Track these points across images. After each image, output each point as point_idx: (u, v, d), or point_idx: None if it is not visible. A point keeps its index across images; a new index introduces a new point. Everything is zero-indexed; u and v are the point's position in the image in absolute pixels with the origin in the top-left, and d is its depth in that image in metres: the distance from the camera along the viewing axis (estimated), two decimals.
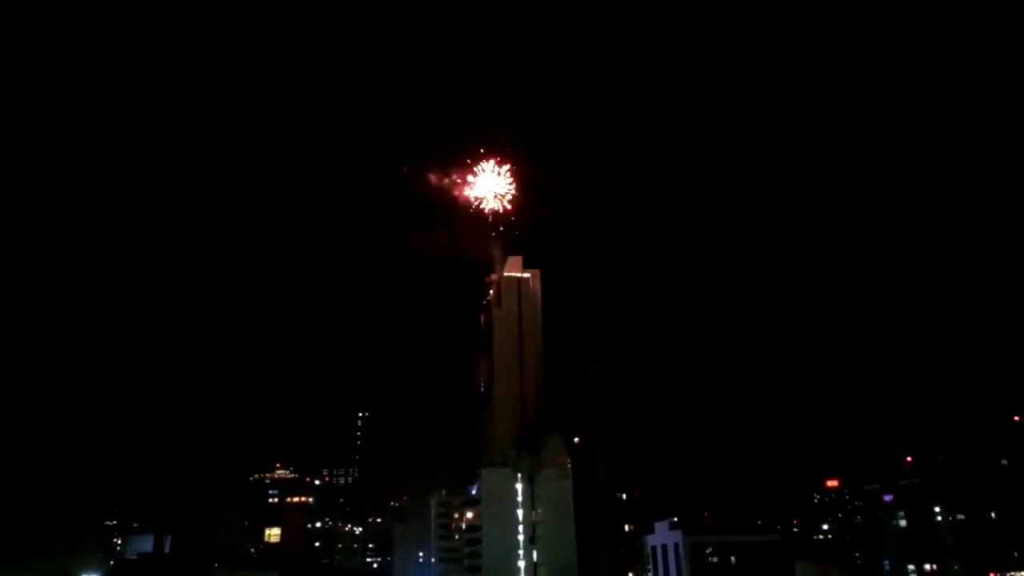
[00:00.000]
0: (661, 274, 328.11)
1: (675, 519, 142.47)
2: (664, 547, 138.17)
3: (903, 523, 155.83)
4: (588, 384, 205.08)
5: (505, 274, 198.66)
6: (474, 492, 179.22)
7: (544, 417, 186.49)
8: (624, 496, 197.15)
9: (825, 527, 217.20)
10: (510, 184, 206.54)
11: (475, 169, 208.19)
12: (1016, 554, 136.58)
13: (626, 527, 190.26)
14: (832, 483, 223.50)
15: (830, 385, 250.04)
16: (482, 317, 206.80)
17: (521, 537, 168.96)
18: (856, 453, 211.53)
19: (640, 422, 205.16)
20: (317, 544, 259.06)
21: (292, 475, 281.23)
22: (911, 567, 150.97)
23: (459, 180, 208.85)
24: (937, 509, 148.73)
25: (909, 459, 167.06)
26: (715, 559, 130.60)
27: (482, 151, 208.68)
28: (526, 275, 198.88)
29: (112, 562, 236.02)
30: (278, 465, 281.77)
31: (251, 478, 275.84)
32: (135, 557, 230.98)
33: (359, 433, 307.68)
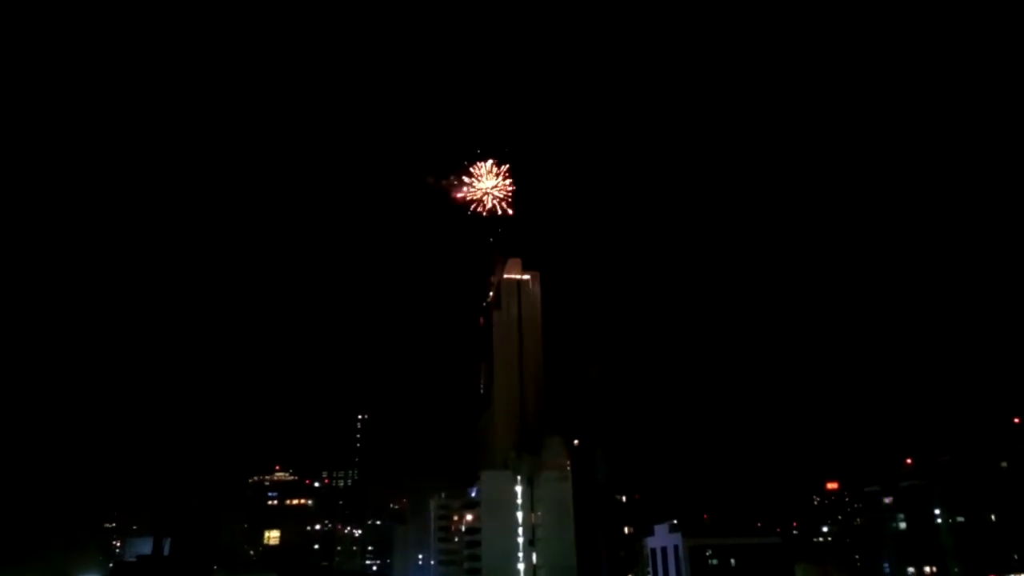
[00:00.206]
0: (661, 276, 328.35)
1: (675, 521, 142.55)
2: (664, 549, 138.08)
3: (903, 525, 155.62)
4: (588, 386, 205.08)
5: (505, 276, 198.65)
6: (474, 494, 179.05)
7: (544, 419, 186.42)
8: (624, 498, 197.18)
9: (825, 529, 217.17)
10: (509, 186, 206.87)
11: (474, 171, 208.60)
12: (1016, 556, 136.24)
13: (626, 529, 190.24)
14: (832, 485, 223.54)
15: (830, 387, 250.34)
16: (482, 319, 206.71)
17: (521, 539, 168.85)
18: (856, 455, 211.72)
19: (640, 424, 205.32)
20: (316, 546, 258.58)
21: (291, 477, 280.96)
22: (911, 569, 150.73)
23: (458, 182, 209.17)
24: (937, 511, 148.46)
25: (909, 461, 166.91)
26: (715, 561, 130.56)
27: (481, 153, 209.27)
28: (526, 277, 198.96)
29: (111, 564, 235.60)
30: (277, 467, 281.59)
31: (250, 480, 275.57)
32: (134, 559, 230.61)
33: (358, 435, 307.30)
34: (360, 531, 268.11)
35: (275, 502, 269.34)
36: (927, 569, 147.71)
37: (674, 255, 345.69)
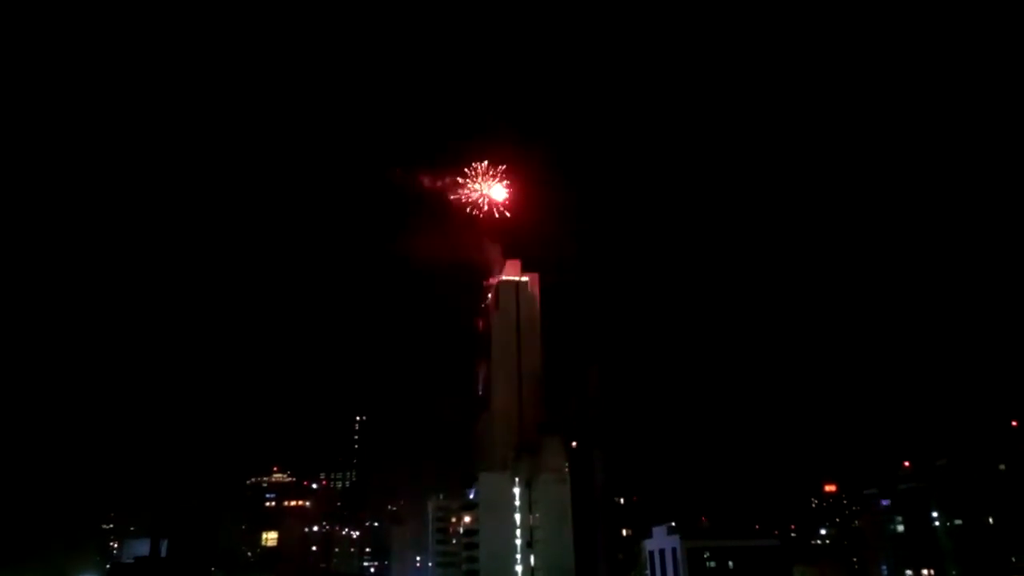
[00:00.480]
0: (660, 278, 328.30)
1: (673, 523, 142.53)
2: (662, 552, 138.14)
3: (901, 528, 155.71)
4: (586, 388, 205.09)
5: (503, 278, 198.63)
6: (472, 496, 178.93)
7: (542, 421, 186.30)
8: (622, 500, 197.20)
9: (823, 532, 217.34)
10: (507, 188, 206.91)
11: (472, 173, 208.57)
12: (1014, 559, 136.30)
13: (624, 531, 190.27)
14: (830, 488, 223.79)
15: (828, 390, 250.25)
16: (480, 321, 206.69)
17: (519, 541, 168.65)
18: (854, 458, 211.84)
19: (638, 426, 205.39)
20: (314, 548, 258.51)
21: (289, 479, 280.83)
22: (909, 572, 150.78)
23: (456, 184, 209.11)
24: (935, 514, 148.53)
25: (907, 464, 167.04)
26: (713, 564, 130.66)
27: (479, 155, 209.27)
28: (524, 279, 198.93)
29: (108, 566, 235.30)
30: (275, 469, 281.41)
31: (248, 482, 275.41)
32: (132, 561, 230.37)
33: (356, 437, 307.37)
34: (358, 532, 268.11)
35: (273, 503, 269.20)
36: (925, 572, 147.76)
37: (673, 257, 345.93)
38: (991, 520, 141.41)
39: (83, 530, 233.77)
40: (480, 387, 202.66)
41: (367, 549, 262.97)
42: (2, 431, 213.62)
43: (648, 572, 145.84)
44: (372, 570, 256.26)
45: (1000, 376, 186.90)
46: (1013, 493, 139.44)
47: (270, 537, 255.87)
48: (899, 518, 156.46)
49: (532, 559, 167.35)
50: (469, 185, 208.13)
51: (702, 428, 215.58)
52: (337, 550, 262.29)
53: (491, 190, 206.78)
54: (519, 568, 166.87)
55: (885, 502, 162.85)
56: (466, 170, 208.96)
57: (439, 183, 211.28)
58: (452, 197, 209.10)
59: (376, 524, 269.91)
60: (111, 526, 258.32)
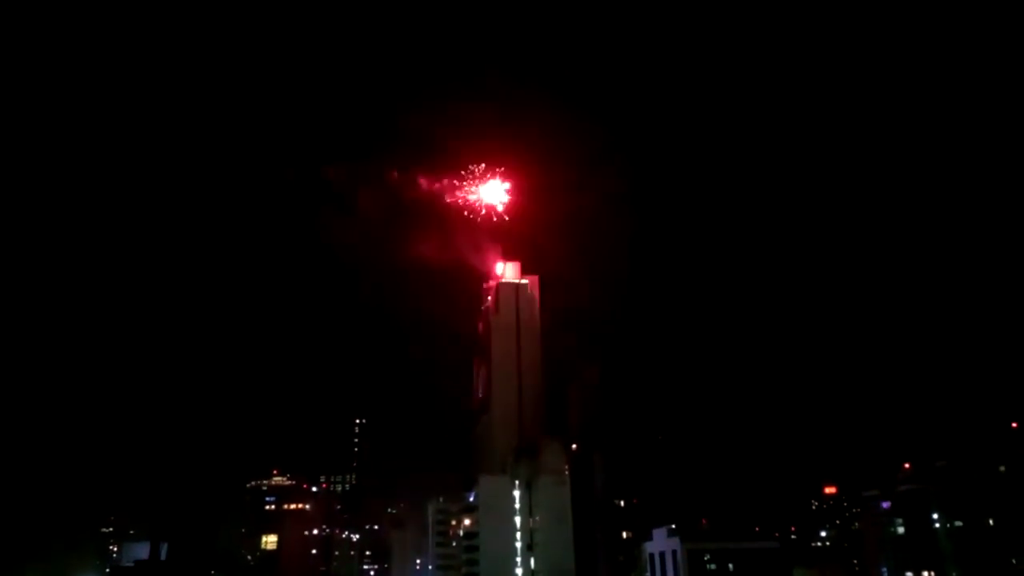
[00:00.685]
0: (659, 280, 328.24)
1: (673, 526, 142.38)
2: (662, 554, 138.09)
3: (901, 530, 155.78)
4: (586, 390, 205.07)
5: (503, 280, 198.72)
6: (472, 499, 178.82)
7: (542, 423, 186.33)
8: (622, 503, 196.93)
9: (823, 534, 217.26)
10: (507, 190, 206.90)
11: (472, 175, 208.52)
12: (1014, 561, 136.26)
13: (624, 534, 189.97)
14: (830, 490, 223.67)
15: (828, 392, 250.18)
16: (480, 324, 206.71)
17: (519, 544, 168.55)
18: (854, 460, 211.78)
19: (639, 429, 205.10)
20: (314, 551, 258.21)
21: (289, 482, 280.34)
22: (909, 574, 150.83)
23: (455, 186, 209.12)
24: (935, 516, 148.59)
25: (907, 466, 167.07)
26: (713, 566, 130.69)
27: (479, 156, 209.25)
28: (524, 281, 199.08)
29: (108, 569, 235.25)
30: (275, 472, 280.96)
31: (248, 485, 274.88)
32: (131, 564, 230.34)
33: (356, 440, 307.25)
34: (358, 536, 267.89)
35: (273, 507, 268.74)
36: (925, 574, 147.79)
37: (673, 259, 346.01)
38: (991, 522, 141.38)
39: (83, 533, 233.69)
40: (480, 389, 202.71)
41: (367, 552, 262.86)
42: (3, 434, 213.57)
43: (648, 574, 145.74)
44: (372, 573, 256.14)
45: (1000, 378, 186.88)
46: (1013, 495, 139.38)
47: (270, 540, 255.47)
48: (899, 520, 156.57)
49: (532, 562, 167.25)
50: (467, 187, 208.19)
51: (702, 430, 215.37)
52: (337, 553, 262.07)
53: (490, 192, 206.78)
54: (519, 571, 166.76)
55: (885, 504, 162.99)
56: (464, 172, 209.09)
57: (437, 185, 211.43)
58: (451, 199, 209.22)
59: (376, 527, 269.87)
60: (111, 529, 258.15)
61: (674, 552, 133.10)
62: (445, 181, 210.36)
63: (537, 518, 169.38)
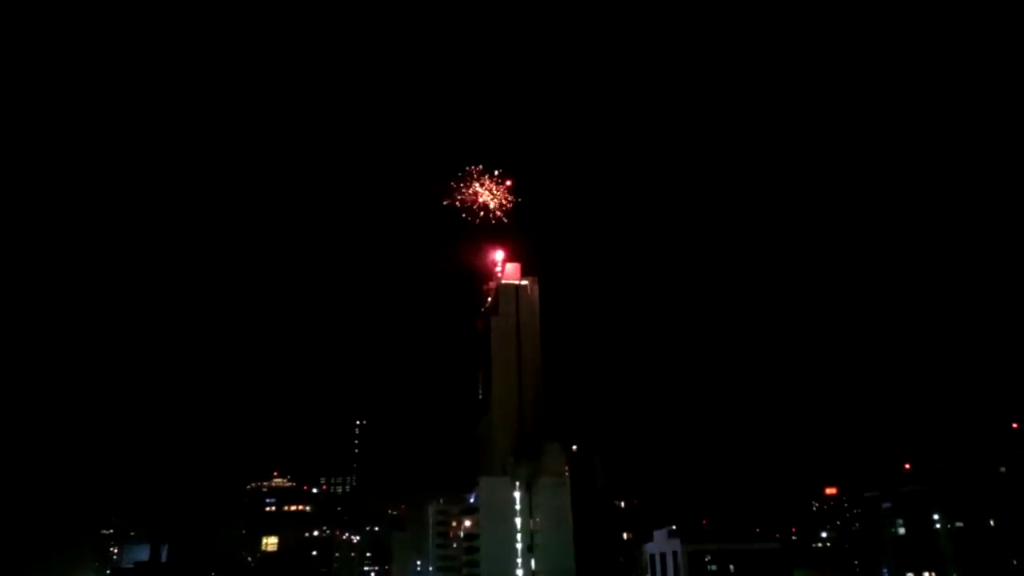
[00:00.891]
0: (660, 281, 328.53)
1: (674, 527, 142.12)
2: (663, 555, 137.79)
3: (902, 531, 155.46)
4: (587, 391, 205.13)
5: (503, 281, 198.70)
6: (472, 500, 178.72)
7: (542, 425, 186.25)
8: (623, 504, 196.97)
9: (824, 535, 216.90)
10: (508, 191, 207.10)
11: (473, 177, 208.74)
12: (1015, 562, 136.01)
13: (625, 535, 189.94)
14: (831, 491, 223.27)
15: (829, 393, 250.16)
16: (480, 324, 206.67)
17: (519, 545, 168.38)
18: (855, 461, 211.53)
19: (639, 430, 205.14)
20: (314, 553, 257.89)
21: (290, 483, 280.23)
22: (910, 575, 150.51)
23: (458, 188, 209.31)
24: (936, 517, 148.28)
25: (908, 466, 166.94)
26: (714, 567, 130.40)
27: (479, 158, 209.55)
28: (524, 282, 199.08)
29: (108, 571, 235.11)
30: (275, 473, 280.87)
31: (248, 487, 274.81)
32: (131, 566, 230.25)
33: (357, 441, 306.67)
34: (358, 537, 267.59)
35: (273, 508, 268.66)
36: (926, 574, 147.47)
37: (673, 261, 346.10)
38: (992, 522, 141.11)
39: (83, 534, 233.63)
40: (480, 391, 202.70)
41: (368, 554, 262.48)
42: (3, 435, 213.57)
43: (649, 575, 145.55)
44: (372, 575, 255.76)
45: (1000, 378, 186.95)
46: (1014, 495, 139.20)
47: (270, 542, 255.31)
48: (900, 521, 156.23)
49: (532, 563, 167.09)
50: (468, 188, 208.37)
51: (703, 431, 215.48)
52: (338, 555, 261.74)
53: (491, 193, 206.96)
54: (520, 572, 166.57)
55: (886, 505, 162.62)
56: (465, 173, 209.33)
57: (442, 187, 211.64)
58: (452, 200, 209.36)
59: (377, 529, 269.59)
60: (111, 531, 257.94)
61: (675, 553, 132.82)
62: (446, 182, 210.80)
63: (537, 519, 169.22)
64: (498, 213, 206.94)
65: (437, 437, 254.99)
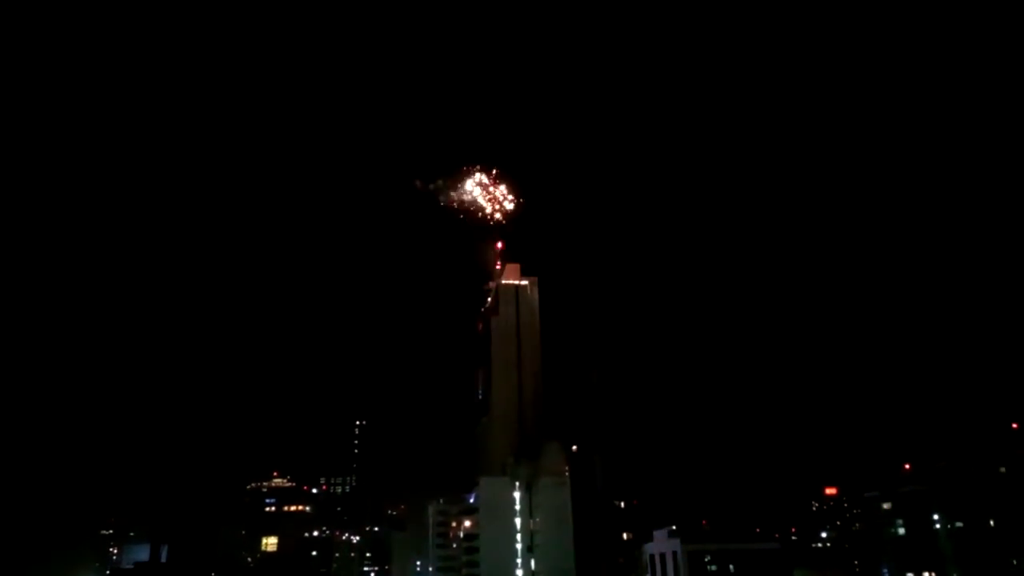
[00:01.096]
0: (660, 282, 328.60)
1: (674, 527, 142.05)
2: (663, 555, 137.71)
3: (902, 531, 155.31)
4: (586, 392, 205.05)
5: (503, 282, 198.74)
6: (472, 500, 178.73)
7: (542, 425, 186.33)
8: (623, 504, 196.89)
9: (824, 535, 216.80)
10: (508, 192, 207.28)
11: (474, 177, 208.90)
12: (1015, 562, 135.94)
13: (624, 535, 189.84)
14: (831, 491, 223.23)
15: (828, 393, 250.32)
16: (480, 325, 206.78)
17: (519, 546, 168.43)
18: (855, 461, 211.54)
19: (639, 430, 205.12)
20: (314, 553, 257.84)
21: (289, 484, 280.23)
22: (910, 575, 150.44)
23: (458, 188, 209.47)
24: (936, 517, 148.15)
25: (908, 466, 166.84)
26: (714, 567, 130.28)
27: (480, 158, 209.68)
28: (524, 282, 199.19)
29: (108, 571, 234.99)
30: (275, 474, 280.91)
31: (248, 487, 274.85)
32: (131, 567, 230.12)
33: (357, 442, 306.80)
34: (358, 537, 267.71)
35: (273, 508, 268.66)
36: (926, 575, 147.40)
37: (673, 261, 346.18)
38: (992, 523, 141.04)
39: (83, 535, 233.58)
40: (480, 391, 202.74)
41: (367, 554, 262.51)
42: (4, 436, 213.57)
43: (649, 575, 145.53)
44: (372, 575, 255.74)
45: (1000, 378, 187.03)
46: (1014, 495, 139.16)
47: (270, 542, 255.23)
48: (900, 521, 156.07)
49: (532, 563, 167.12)
50: (469, 189, 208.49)
51: (702, 431, 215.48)
52: (337, 555, 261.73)
53: (491, 194, 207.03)
54: (519, 572, 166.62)
55: (886, 505, 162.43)
56: (466, 173, 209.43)
57: (441, 188, 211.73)
58: (452, 201, 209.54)
59: (376, 529, 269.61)
60: (111, 531, 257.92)
61: (675, 553, 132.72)
62: (446, 182, 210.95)
63: (537, 519, 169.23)
64: (497, 214, 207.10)
65: (437, 437, 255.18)
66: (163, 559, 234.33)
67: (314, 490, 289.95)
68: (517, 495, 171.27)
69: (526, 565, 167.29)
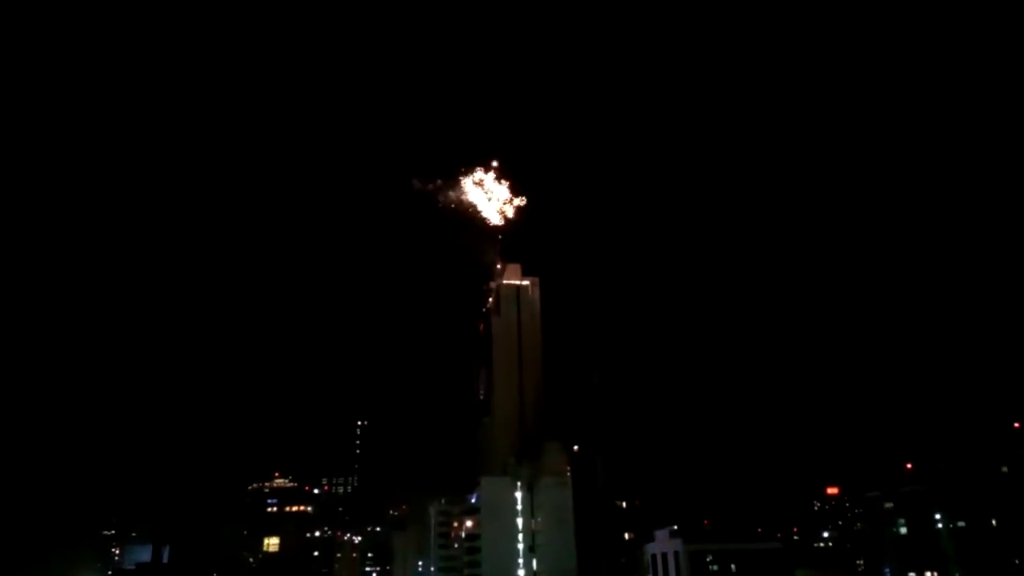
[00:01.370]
0: (660, 282, 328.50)
1: (675, 527, 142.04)
2: (664, 555, 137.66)
3: (904, 530, 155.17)
4: (588, 392, 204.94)
5: (504, 282, 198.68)
6: (473, 501, 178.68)
7: (543, 425, 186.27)
8: (624, 504, 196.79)
9: (826, 535, 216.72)
10: (509, 192, 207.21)
11: (475, 178, 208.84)
12: (1017, 561, 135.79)
13: (626, 535, 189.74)
14: (832, 490, 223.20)
15: (830, 392, 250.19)
16: (481, 325, 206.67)
17: (521, 546, 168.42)
18: (856, 460, 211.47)
19: (640, 430, 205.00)
20: (316, 553, 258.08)
21: (291, 484, 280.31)
22: (912, 575, 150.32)
23: (459, 189, 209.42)
24: (938, 516, 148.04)
25: (909, 466, 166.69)
26: (715, 567, 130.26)
27: (482, 160, 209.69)
28: (525, 283, 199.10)
29: (110, 572, 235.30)
30: (277, 474, 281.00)
31: (250, 487, 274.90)
32: (133, 567, 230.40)
33: (358, 442, 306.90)
34: (360, 538, 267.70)
35: (274, 509, 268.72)
36: (928, 574, 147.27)
37: (674, 262, 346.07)
38: (994, 522, 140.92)
39: (85, 535, 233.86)
40: (481, 391, 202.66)
41: (369, 554, 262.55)
42: (5, 436, 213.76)
43: (651, 575, 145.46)
44: (374, 575, 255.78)
45: (1002, 378, 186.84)
46: (1015, 495, 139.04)
47: (272, 543, 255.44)
48: (902, 520, 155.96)
49: (534, 563, 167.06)
50: (469, 189, 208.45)
51: (704, 431, 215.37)
52: (339, 555, 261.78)
53: (492, 194, 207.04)
54: (521, 572, 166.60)
55: (888, 504, 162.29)
56: (467, 174, 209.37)
57: (443, 188, 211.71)
58: (453, 201, 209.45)
59: (378, 529, 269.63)
60: (113, 532, 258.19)
61: (676, 553, 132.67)
62: (447, 182, 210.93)
63: (539, 519, 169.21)
64: (498, 214, 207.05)
65: (438, 438, 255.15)
66: (165, 560, 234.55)
67: (316, 490, 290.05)
68: (519, 495, 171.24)
69: (528, 565, 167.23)
